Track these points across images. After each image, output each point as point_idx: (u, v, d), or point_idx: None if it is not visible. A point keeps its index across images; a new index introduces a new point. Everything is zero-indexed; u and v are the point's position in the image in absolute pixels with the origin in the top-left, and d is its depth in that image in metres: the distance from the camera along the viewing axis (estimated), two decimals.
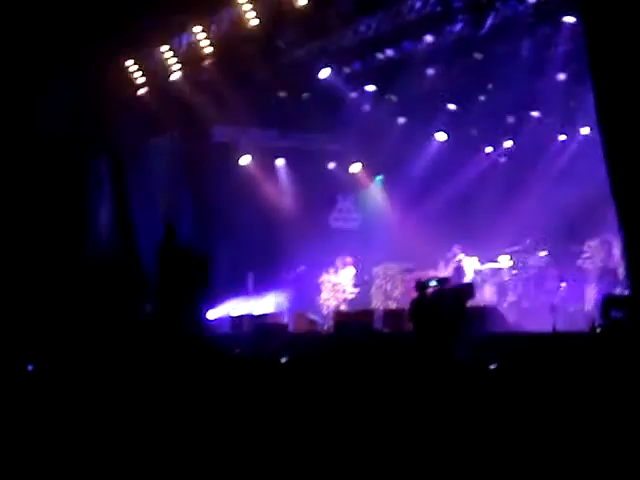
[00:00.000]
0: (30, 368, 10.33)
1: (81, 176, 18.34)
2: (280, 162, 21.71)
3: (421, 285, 14.46)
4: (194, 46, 17.30)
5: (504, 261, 18.30)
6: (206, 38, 16.95)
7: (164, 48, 17.75)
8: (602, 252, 17.32)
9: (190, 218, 20.36)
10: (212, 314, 19.32)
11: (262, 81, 18.26)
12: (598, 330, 11.43)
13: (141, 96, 18.74)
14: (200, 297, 13.81)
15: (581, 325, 13.64)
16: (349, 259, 19.76)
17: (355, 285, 20.10)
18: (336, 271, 19.76)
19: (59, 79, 16.95)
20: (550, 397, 6.61)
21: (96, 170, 18.77)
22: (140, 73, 18.46)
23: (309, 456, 5.41)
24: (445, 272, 17.77)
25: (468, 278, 17.46)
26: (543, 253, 17.22)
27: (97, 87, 17.71)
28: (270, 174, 21.60)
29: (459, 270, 17.67)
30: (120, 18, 16.47)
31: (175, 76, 18.09)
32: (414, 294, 14.82)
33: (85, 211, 18.43)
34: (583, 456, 5.17)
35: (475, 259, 18.12)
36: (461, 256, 17.90)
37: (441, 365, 8.73)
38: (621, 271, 15.87)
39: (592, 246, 17.90)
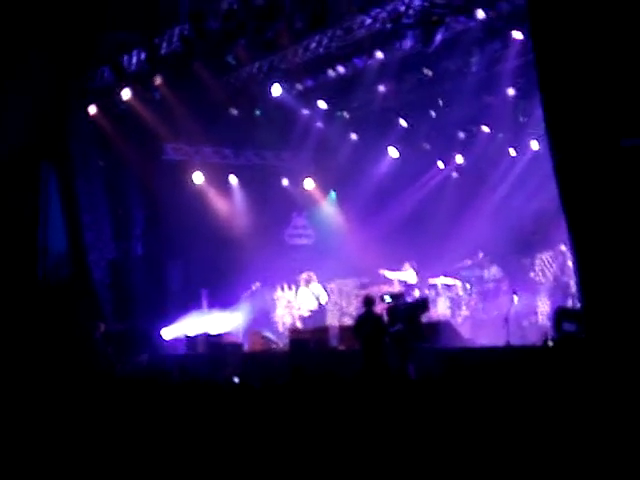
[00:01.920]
0: None
1: (31, 189, 18.08)
2: (233, 179, 21.61)
3: (369, 300, 14.45)
4: (143, 64, 17.19)
5: (449, 281, 18.42)
6: (155, 56, 16.84)
7: (114, 66, 17.59)
8: (555, 264, 17.51)
9: (142, 236, 20.19)
10: (167, 333, 19.15)
11: (214, 99, 18.22)
12: (550, 343, 11.50)
13: (93, 114, 18.58)
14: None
15: (534, 338, 13.74)
16: (312, 274, 19.69)
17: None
18: (297, 288, 19.70)
19: (13, 91, 16.73)
20: (503, 410, 6.60)
21: (45, 184, 18.53)
22: (90, 90, 18.31)
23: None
24: (399, 288, 17.80)
25: (396, 288, 17.59)
26: (494, 268, 17.33)
27: (50, 102, 17.50)
28: (223, 191, 21.48)
29: (406, 285, 17.77)
30: (73, 34, 16.39)
31: (126, 95, 17.95)
32: None
33: (36, 226, 18.17)
34: (536, 466, 5.17)
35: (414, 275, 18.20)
36: (409, 272, 17.99)
37: (391, 381, 8.69)
38: (572, 283, 16.05)
39: (544, 259, 18.11)
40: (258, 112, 19.49)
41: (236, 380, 11.02)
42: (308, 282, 19.72)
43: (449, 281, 18.41)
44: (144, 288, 19.44)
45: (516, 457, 5.29)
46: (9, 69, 16.56)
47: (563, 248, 17.14)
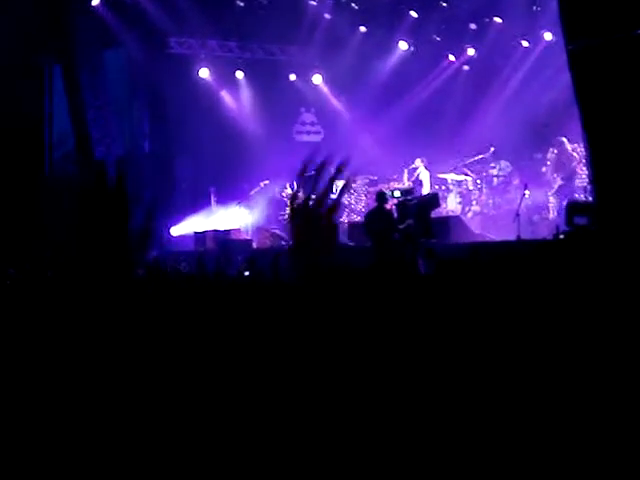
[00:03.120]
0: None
1: (36, 85, 17.82)
2: (240, 74, 21.24)
3: (381, 196, 14.35)
4: None
5: (460, 177, 18.20)
6: None
7: None
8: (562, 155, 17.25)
9: (148, 133, 20.00)
10: (176, 230, 19.15)
11: None
12: (562, 236, 11.40)
13: (96, 6, 18.17)
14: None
15: (545, 233, 13.65)
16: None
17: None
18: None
19: None
20: (516, 303, 6.50)
21: (50, 80, 18.27)
22: None
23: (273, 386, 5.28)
24: (408, 184, 17.66)
25: (425, 190, 17.35)
26: (505, 162, 17.10)
27: None
28: (230, 87, 21.16)
29: (418, 181, 17.56)
30: None
31: None
32: None
33: (42, 122, 17.97)
34: (545, 358, 5.06)
35: (427, 172, 17.91)
36: (421, 168, 17.73)
37: (402, 275, 8.60)
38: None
39: (555, 153, 17.87)
40: (264, 1, 18.89)
41: (247, 274, 10.96)
42: None
43: (459, 177, 18.23)
44: (152, 185, 19.32)
45: (525, 349, 5.22)
46: None
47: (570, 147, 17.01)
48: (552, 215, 16.84)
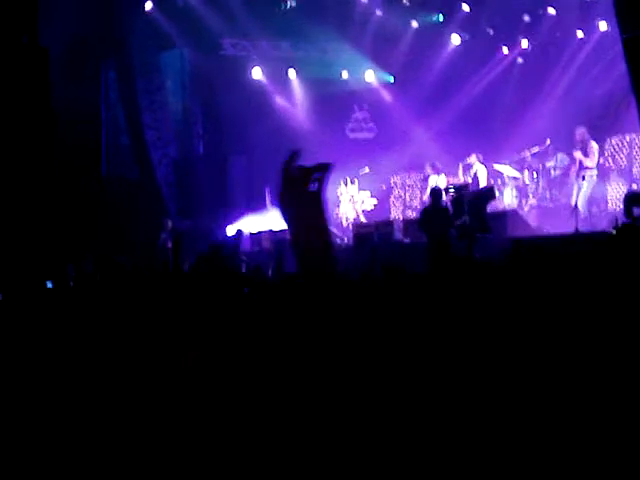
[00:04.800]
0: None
1: (93, 88, 18.05)
2: (292, 73, 21.30)
3: (436, 192, 14.26)
4: None
5: (515, 173, 17.98)
6: None
7: None
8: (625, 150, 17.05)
9: (202, 134, 20.16)
10: (232, 230, 19.26)
11: None
12: (613, 231, 11.18)
13: (149, 10, 18.39)
14: None
15: (604, 225, 13.45)
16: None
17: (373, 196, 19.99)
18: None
19: None
20: (577, 296, 6.41)
21: (106, 83, 18.51)
22: None
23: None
24: (463, 179, 17.53)
25: (482, 185, 17.19)
26: (562, 155, 16.87)
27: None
28: (283, 86, 21.24)
29: (475, 177, 17.39)
30: None
31: None
32: None
33: (100, 124, 18.18)
34: (607, 355, 4.98)
35: (483, 168, 17.67)
36: (476, 164, 17.55)
37: (460, 266, 8.53)
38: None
39: (613, 144, 17.61)
40: None
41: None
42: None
43: (515, 172, 18.04)
44: (207, 186, 19.47)
45: (580, 337, 5.14)
46: None
47: (628, 138, 16.78)
48: (611, 206, 16.61)
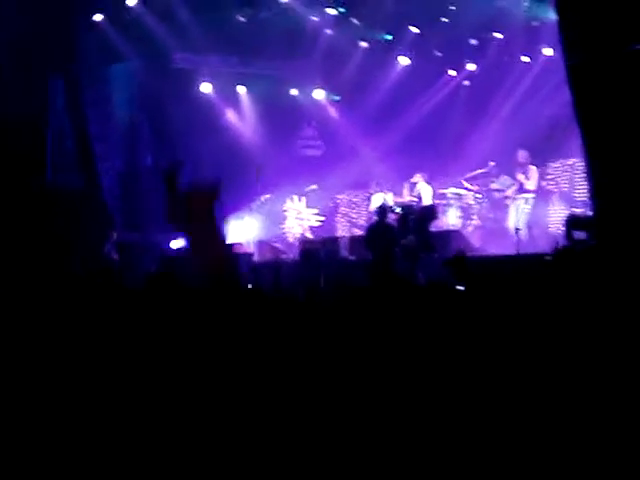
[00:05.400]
0: None
1: (40, 100, 17.90)
2: (242, 89, 21.35)
3: (383, 210, 14.40)
4: None
5: (460, 191, 18.26)
6: None
7: None
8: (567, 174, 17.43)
9: (150, 146, 20.09)
10: (177, 244, 19.19)
11: (221, 4, 17.89)
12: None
13: (99, 22, 18.30)
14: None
15: (545, 247, 13.68)
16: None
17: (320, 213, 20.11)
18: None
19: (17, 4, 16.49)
20: (516, 315, 6.60)
21: (53, 95, 18.37)
22: None
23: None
24: (409, 199, 17.72)
25: (426, 203, 17.39)
26: (505, 177, 17.16)
27: (55, 11, 17.24)
28: (232, 101, 21.28)
29: (419, 196, 17.59)
30: None
31: (131, 2, 17.67)
32: None
33: (45, 136, 18.03)
34: (556, 368, 5.14)
35: (428, 187, 17.86)
36: (421, 183, 17.75)
37: (400, 289, 8.66)
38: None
39: (556, 167, 17.97)
40: (265, 15, 18.90)
41: (249, 286, 11.04)
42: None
43: (460, 191, 18.30)
44: (154, 199, 19.38)
45: (522, 359, 5.28)
46: None
47: (570, 162, 17.17)
48: (552, 229, 16.92)
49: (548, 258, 10.42)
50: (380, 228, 14.06)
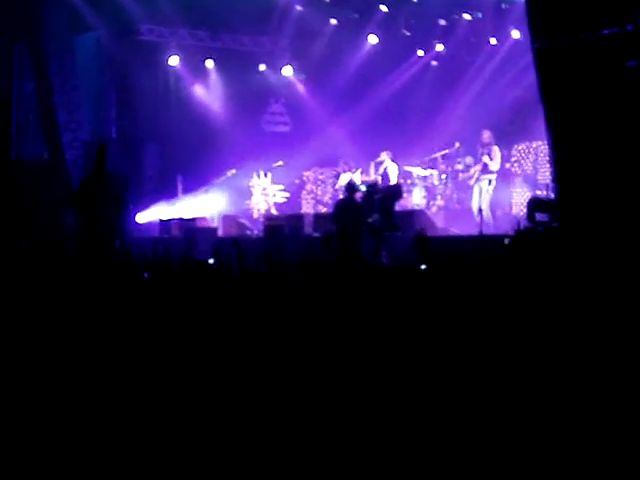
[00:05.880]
0: None
1: (5, 70, 17.69)
2: (210, 63, 21.23)
3: (351, 187, 14.44)
4: None
5: (425, 172, 18.34)
6: None
7: None
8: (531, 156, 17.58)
9: (116, 118, 19.94)
10: (141, 217, 19.14)
11: None
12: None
13: None
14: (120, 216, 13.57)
15: (507, 228, 13.84)
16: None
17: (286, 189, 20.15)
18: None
19: None
20: (477, 295, 6.69)
21: (19, 64, 18.15)
22: None
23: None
24: (374, 177, 17.76)
25: (392, 182, 17.45)
26: (470, 158, 17.26)
27: None
28: (200, 75, 21.15)
29: (384, 174, 17.64)
30: None
31: None
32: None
33: (10, 106, 17.84)
34: (513, 352, 5.23)
35: (394, 165, 17.88)
36: (387, 162, 17.78)
37: (364, 268, 8.73)
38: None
39: (520, 150, 18.12)
40: None
41: (211, 261, 11.03)
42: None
43: (425, 172, 18.38)
44: (118, 171, 19.27)
45: (482, 339, 5.36)
46: None
47: (534, 144, 17.35)
48: (515, 210, 17.09)
49: (508, 241, 10.55)
50: (347, 205, 14.08)
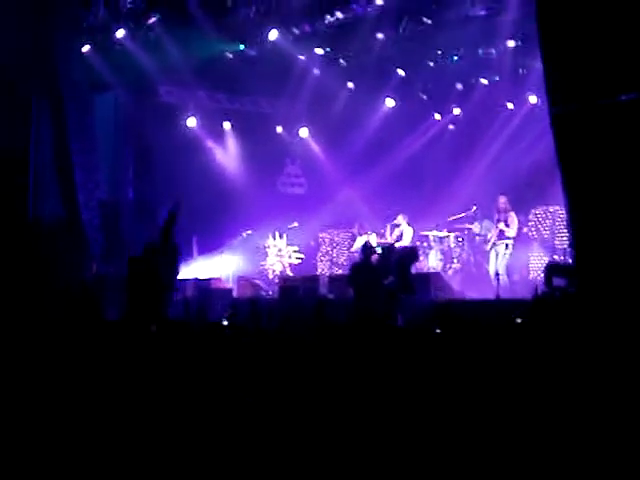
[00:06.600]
0: None
1: (23, 125, 17.81)
2: (227, 125, 21.41)
3: (367, 249, 14.38)
4: (139, 2, 16.93)
5: (441, 234, 18.30)
6: None
7: (108, 3, 17.33)
8: (548, 221, 17.50)
9: (133, 179, 20.03)
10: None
11: (209, 40, 17.92)
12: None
13: (86, 52, 18.28)
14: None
15: (525, 293, 13.71)
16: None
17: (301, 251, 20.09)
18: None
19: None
20: (493, 360, 6.57)
21: (37, 121, 18.27)
22: (85, 29, 18.02)
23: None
24: (390, 239, 17.71)
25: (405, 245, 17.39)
26: (487, 222, 17.21)
27: (40, 37, 17.23)
28: (217, 137, 21.31)
29: (400, 238, 17.59)
30: None
31: (120, 33, 17.67)
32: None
33: (28, 164, 17.94)
34: (529, 417, 5.11)
35: (409, 229, 17.82)
36: (403, 225, 17.73)
37: (381, 330, 8.64)
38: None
39: (537, 214, 18.05)
40: (254, 53, 18.87)
41: (225, 323, 10.97)
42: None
43: (441, 234, 18.33)
44: (135, 232, 19.31)
45: (498, 404, 5.25)
46: None
47: (552, 209, 17.28)
48: (532, 275, 16.96)
49: (520, 320, 10.38)
50: (363, 267, 14.01)
